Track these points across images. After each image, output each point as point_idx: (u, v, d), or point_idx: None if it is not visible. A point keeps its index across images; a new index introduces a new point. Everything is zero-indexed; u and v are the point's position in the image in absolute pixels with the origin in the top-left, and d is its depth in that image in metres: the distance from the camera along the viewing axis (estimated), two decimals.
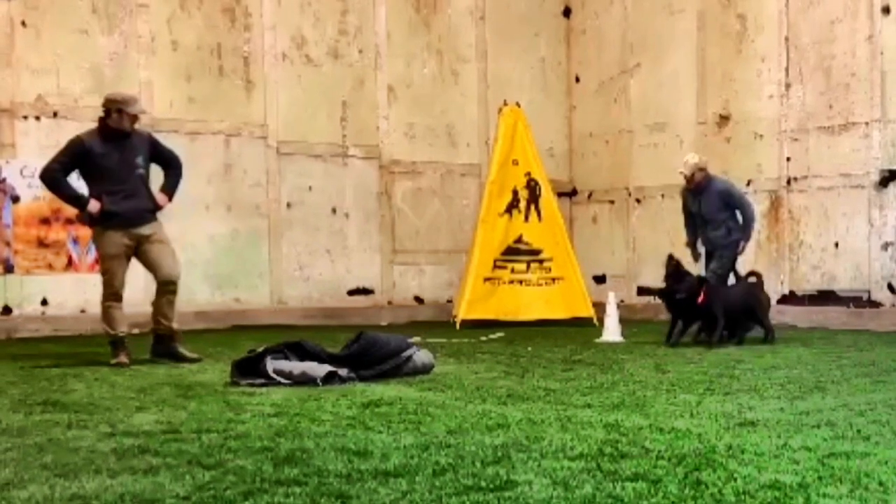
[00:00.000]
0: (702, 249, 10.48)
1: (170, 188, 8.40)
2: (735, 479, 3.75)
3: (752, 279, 10.00)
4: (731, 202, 10.25)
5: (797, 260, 12.25)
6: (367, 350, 7.05)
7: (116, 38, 11.45)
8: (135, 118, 8.17)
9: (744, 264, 10.90)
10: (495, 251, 12.22)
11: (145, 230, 8.14)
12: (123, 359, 7.97)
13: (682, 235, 13.51)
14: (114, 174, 8.04)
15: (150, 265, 8.24)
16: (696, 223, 10.42)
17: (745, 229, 10.26)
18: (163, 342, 8.29)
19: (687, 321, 9.42)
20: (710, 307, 9.31)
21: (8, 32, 10.82)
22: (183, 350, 8.25)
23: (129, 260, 8.20)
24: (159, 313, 8.24)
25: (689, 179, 10.22)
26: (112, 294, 8.13)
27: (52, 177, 8.08)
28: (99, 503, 3.53)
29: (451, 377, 7.05)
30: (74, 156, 8.07)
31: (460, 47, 13.90)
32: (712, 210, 10.18)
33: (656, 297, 11.66)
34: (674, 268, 9.60)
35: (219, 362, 7.96)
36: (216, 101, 12.10)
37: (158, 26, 11.70)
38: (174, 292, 8.25)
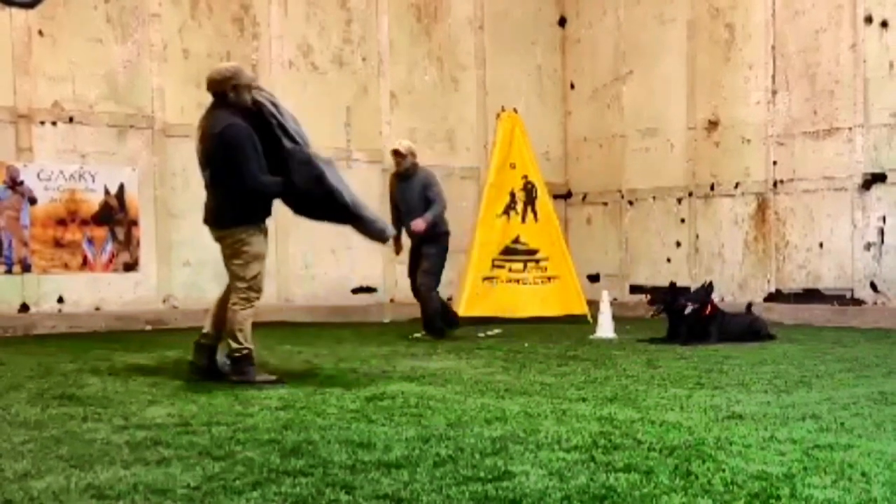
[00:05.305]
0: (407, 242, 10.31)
1: None
2: (723, 470, 3.92)
3: (750, 314, 10.02)
4: (429, 192, 10.02)
5: (783, 259, 12.39)
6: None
7: (130, 47, 11.51)
8: (249, 88, 6.73)
9: (732, 265, 10.97)
10: (493, 251, 12.18)
11: None
12: (273, 376, 6.75)
13: (672, 236, 13.80)
14: (263, 157, 6.63)
15: None
16: (400, 212, 10.22)
17: (432, 209, 9.94)
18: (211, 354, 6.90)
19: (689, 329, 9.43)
20: (709, 324, 9.39)
21: (26, 41, 10.87)
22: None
23: None
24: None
25: (400, 162, 10.10)
26: (257, 299, 6.75)
27: (275, 191, 6.72)
28: (113, 493, 3.64)
29: (451, 372, 7.15)
30: (256, 146, 6.59)
31: (460, 55, 14.00)
32: (413, 198, 10.05)
33: (648, 296, 11.89)
34: (669, 290, 9.68)
35: None
36: None
37: (170, 35, 11.77)
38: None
